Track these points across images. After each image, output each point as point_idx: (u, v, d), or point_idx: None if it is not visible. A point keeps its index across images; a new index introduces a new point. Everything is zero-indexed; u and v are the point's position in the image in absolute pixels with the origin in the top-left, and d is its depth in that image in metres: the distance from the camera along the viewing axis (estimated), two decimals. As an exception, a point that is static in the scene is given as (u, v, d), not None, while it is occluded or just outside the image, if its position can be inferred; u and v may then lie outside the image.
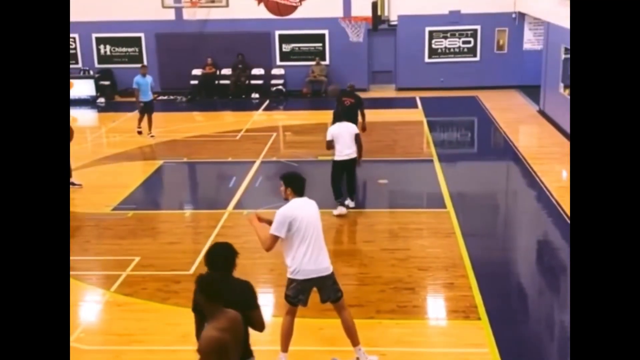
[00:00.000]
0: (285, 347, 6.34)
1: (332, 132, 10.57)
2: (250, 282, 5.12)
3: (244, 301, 4.84)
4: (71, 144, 11.56)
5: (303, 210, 6.14)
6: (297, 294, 6.22)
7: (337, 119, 10.85)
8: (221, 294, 4.39)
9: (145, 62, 21.46)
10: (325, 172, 11.00)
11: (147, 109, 15.80)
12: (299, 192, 6.24)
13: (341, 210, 10.55)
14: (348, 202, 10.78)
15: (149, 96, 15.87)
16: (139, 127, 15.95)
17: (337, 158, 10.60)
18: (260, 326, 4.99)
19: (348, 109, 12.67)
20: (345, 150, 10.49)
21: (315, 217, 6.21)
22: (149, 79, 15.94)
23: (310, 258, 6.12)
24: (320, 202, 6.47)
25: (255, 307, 4.96)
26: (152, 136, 15.76)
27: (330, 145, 10.64)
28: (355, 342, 6.44)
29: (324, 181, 10.81)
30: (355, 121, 13.01)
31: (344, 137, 10.51)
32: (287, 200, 6.25)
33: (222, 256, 4.97)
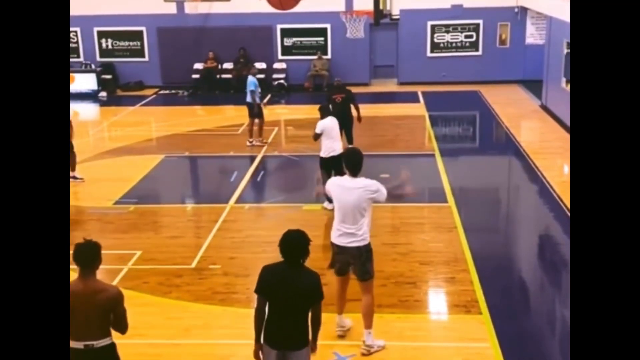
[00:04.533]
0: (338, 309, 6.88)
1: (323, 126, 10.34)
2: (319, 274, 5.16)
3: (311, 292, 5.01)
4: (72, 138, 11.63)
5: (341, 187, 6.48)
6: (332, 258, 6.72)
7: (325, 113, 10.62)
8: (86, 259, 4.75)
9: (147, 57, 21.50)
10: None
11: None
12: (351, 170, 6.49)
13: (327, 205, 10.34)
14: None
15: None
16: (251, 138, 14.47)
17: (323, 155, 10.33)
18: (317, 321, 5.19)
19: (341, 105, 12.52)
20: (333, 146, 10.24)
21: (349, 196, 6.36)
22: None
23: (335, 227, 6.52)
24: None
25: (320, 299, 5.12)
26: (266, 142, 14.56)
27: (317, 137, 10.48)
28: (367, 324, 6.61)
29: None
30: (349, 116, 12.92)
31: (336, 132, 10.39)
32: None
33: (291, 245, 5.03)
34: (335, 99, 12.63)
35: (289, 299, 4.94)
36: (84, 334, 4.78)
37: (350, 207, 6.37)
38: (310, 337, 5.13)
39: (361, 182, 6.45)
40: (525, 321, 7.45)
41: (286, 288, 4.93)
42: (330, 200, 10.44)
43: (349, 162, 6.53)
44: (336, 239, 6.51)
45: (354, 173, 6.47)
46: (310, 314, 5.07)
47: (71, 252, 4.70)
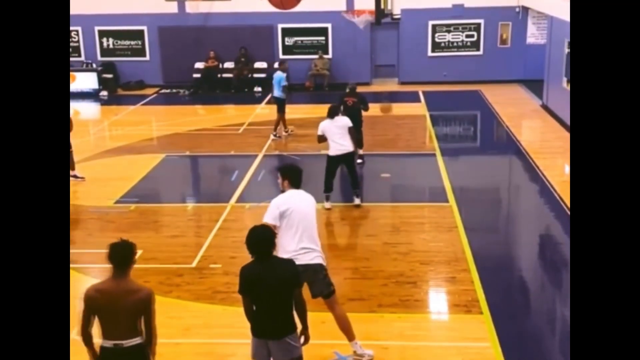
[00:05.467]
0: None
1: (322, 127, 10.51)
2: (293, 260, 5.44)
3: (289, 279, 5.15)
4: (73, 137, 11.62)
5: (294, 202, 6.21)
6: None
7: (331, 113, 10.70)
8: (121, 259, 4.80)
9: (148, 56, 21.49)
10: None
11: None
12: (295, 184, 6.36)
13: (324, 204, 10.46)
14: (355, 199, 10.70)
15: None
16: (286, 128, 15.25)
17: (330, 153, 10.54)
18: (301, 305, 5.33)
19: (351, 108, 12.67)
20: (336, 145, 10.39)
21: (306, 209, 6.22)
22: None
23: (295, 247, 6.11)
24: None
25: (299, 285, 5.32)
26: (282, 134, 15.24)
27: (321, 139, 10.59)
28: (350, 337, 6.45)
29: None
30: (359, 120, 12.96)
31: (333, 132, 10.42)
32: (283, 191, 6.39)
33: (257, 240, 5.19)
34: (347, 101, 12.80)
35: (272, 291, 5.10)
36: (113, 333, 4.82)
37: (309, 217, 6.18)
38: (299, 324, 5.31)
39: (306, 194, 6.38)
40: (526, 321, 7.45)
41: (267, 281, 5.09)
42: (328, 199, 10.51)
43: (290, 174, 6.39)
44: (300, 257, 5.96)
45: (297, 185, 6.37)
46: (294, 302, 5.22)
47: (107, 251, 4.88)
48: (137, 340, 4.88)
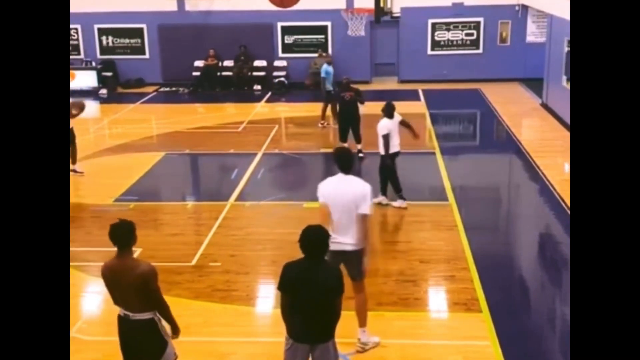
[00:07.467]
0: None
1: (388, 127, 10.42)
2: (339, 269, 5.35)
3: (333, 286, 5.03)
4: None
5: (332, 186, 6.33)
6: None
7: (392, 111, 10.65)
8: (120, 238, 5.05)
9: (147, 54, 21.49)
10: (326, 164, 10.99)
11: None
12: (341, 168, 6.39)
13: (401, 203, 10.51)
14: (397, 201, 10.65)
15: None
16: (323, 120, 15.77)
17: (391, 150, 10.50)
18: (337, 314, 5.17)
19: (349, 103, 12.73)
20: (397, 143, 10.56)
21: (345, 194, 6.23)
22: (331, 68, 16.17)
23: (333, 230, 6.22)
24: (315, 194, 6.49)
25: (340, 294, 5.12)
26: (324, 124, 15.81)
27: (386, 139, 10.41)
28: (361, 323, 6.63)
29: (325, 174, 10.76)
30: (357, 114, 13.03)
31: (395, 130, 10.49)
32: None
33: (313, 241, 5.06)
34: (344, 96, 12.84)
35: (312, 294, 4.97)
36: (124, 304, 5.19)
37: (338, 206, 6.23)
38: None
39: (354, 181, 6.38)
40: (526, 319, 7.45)
41: (309, 283, 4.96)
42: (403, 198, 10.51)
43: (340, 160, 6.44)
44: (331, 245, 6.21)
45: (346, 171, 6.40)
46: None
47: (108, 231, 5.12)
48: (145, 316, 5.18)
